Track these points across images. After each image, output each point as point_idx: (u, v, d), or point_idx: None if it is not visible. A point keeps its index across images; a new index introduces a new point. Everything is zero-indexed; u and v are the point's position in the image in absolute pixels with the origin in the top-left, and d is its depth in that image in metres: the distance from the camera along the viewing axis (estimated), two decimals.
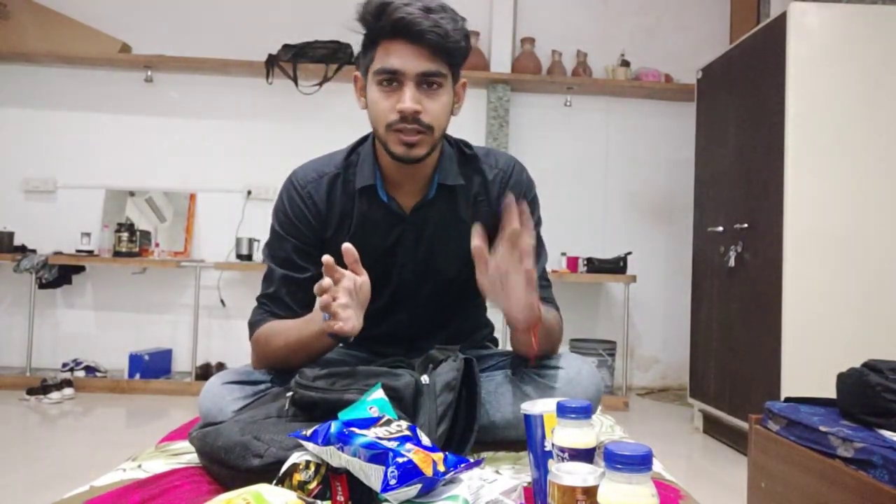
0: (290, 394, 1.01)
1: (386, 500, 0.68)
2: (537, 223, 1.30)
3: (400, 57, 1.11)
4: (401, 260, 1.28)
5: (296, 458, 0.76)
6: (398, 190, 1.26)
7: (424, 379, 1.03)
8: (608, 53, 4.21)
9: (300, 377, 1.03)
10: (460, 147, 1.31)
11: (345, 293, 1.02)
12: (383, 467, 0.67)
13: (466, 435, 1.06)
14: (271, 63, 3.89)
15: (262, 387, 1.18)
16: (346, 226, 1.26)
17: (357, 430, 0.74)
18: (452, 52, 1.14)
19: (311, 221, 1.25)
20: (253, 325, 1.26)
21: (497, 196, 1.27)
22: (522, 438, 0.86)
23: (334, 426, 0.74)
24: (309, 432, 0.76)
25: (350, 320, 1.02)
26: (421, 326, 1.34)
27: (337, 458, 0.72)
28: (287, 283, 1.25)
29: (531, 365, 1.19)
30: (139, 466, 1.06)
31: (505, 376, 1.23)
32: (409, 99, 1.11)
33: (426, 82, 1.13)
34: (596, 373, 1.24)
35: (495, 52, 4.11)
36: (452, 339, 1.35)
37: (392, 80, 1.12)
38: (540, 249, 1.29)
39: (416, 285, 1.30)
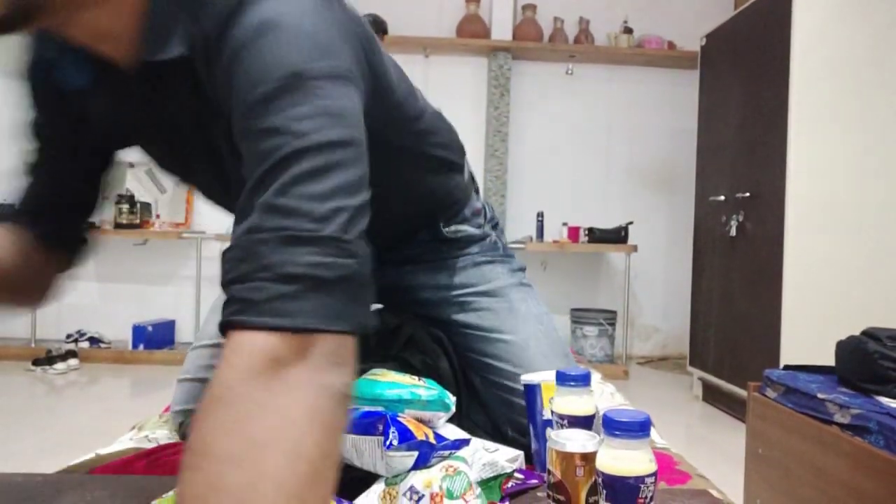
0: None
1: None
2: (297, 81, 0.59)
3: None
4: (159, 153, 0.89)
5: None
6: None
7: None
8: (611, 20, 4.15)
9: None
10: None
11: None
12: (381, 437, 0.67)
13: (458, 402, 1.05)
14: None
15: None
16: (78, 97, 0.81)
17: None
18: None
19: (37, 83, 0.84)
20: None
21: (209, 77, 0.65)
22: None
23: None
24: None
25: None
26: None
27: None
28: (33, 148, 0.88)
29: None
30: (145, 436, 1.07)
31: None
32: None
33: None
34: None
35: (496, 19, 4.05)
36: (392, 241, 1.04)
37: None
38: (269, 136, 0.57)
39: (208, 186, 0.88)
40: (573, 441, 0.65)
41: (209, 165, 0.78)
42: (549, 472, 0.66)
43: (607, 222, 3.97)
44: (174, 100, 0.72)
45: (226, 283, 0.54)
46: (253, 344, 0.50)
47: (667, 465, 0.96)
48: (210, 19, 0.62)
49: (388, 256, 1.04)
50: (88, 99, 0.78)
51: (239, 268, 0.53)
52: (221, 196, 0.86)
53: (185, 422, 1.04)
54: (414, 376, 0.84)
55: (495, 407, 1.01)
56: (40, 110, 0.84)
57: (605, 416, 0.60)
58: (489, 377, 1.02)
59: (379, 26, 3.84)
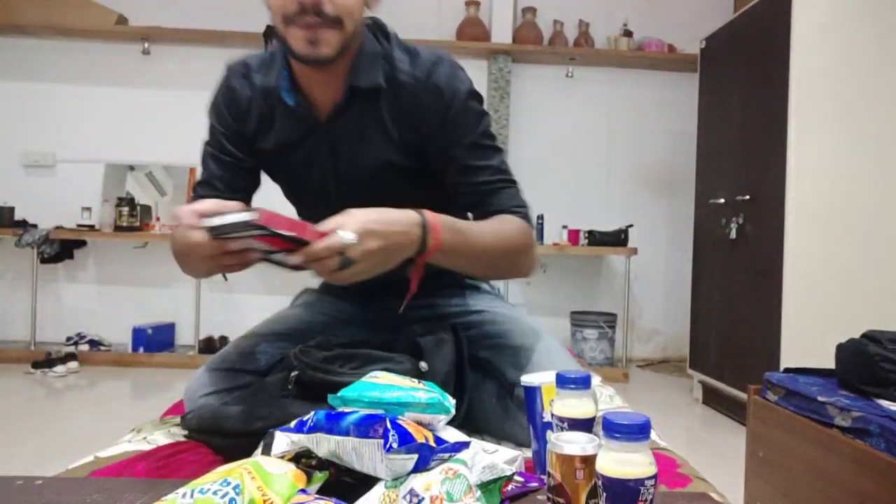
0: (294, 373, 1.01)
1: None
2: (483, 133, 1.13)
3: None
4: (319, 172, 1.16)
5: (287, 444, 0.75)
6: (311, 93, 1.12)
7: (423, 365, 1.03)
8: (610, 23, 4.16)
9: (307, 357, 1.02)
10: (394, 44, 1.14)
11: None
12: (380, 440, 0.67)
13: (459, 396, 1.06)
14: (269, 34, 3.85)
15: (253, 389, 1.10)
16: (266, 127, 1.16)
17: (347, 410, 0.73)
18: None
19: (233, 113, 1.17)
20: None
21: (413, 106, 1.10)
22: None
23: (320, 413, 0.73)
24: (292, 424, 0.75)
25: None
26: None
27: (325, 442, 0.71)
28: (217, 165, 1.19)
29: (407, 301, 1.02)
30: (144, 438, 1.07)
31: (490, 396, 1.11)
32: None
33: None
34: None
35: (496, 22, 4.06)
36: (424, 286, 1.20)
37: None
38: (485, 153, 1.13)
39: (343, 204, 1.02)
40: (573, 444, 0.65)
41: (365, 174, 1.14)
42: (549, 475, 0.66)
43: (607, 225, 3.97)
44: (355, 122, 1.11)
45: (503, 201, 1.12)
46: (520, 222, 1.10)
47: (668, 467, 0.96)
48: (417, 67, 1.10)
49: (419, 299, 1.11)
50: (282, 125, 1.14)
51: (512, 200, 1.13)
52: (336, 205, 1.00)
53: (189, 414, 1.04)
54: (414, 379, 0.84)
55: (506, 365, 1.12)
56: (227, 135, 1.18)
57: (604, 418, 0.60)
58: (503, 345, 1.13)
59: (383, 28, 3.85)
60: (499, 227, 1.08)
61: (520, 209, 1.12)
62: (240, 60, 1.19)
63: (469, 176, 1.11)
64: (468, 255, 1.02)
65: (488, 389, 1.11)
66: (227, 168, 1.18)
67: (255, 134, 1.16)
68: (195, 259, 0.96)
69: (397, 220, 0.91)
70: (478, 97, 1.15)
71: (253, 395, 0.99)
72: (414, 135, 1.11)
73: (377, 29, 1.15)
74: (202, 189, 1.18)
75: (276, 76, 1.12)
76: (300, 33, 1.00)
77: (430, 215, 0.95)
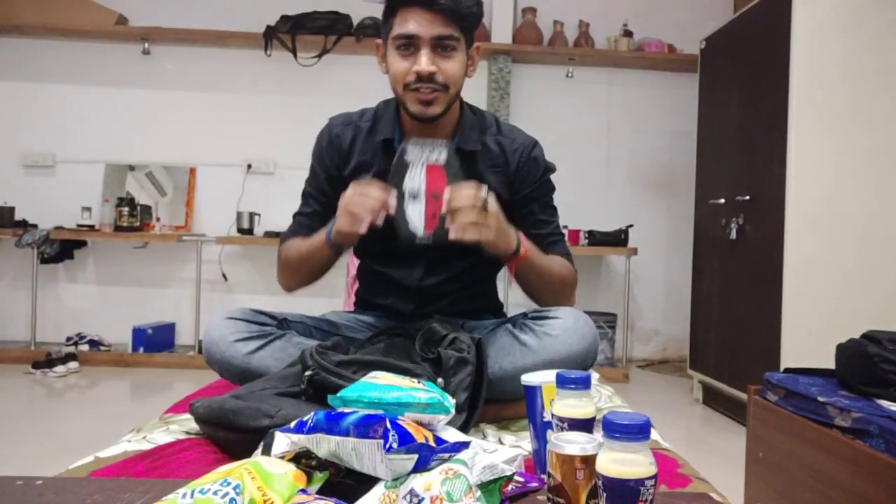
0: (308, 373, 1.01)
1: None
2: (551, 198, 1.49)
3: (416, 23, 1.21)
4: None
5: (287, 445, 0.75)
6: None
7: (440, 382, 1.03)
8: (610, 24, 4.16)
9: (323, 358, 1.02)
10: (484, 117, 1.42)
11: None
12: (380, 440, 0.67)
13: (470, 412, 1.07)
14: (269, 35, 3.85)
15: (268, 329, 1.23)
16: (362, 173, 1.35)
17: (346, 410, 0.73)
18: (465, 17, 1.23)
19: (334, 157, 1.39)
20: (282, 240, 1.43)
21: (515, 169, 1.38)
22: (521, 392, 0.88)
23: (320, 413, 0.73)
24: (293, 425, 0.75)
25: (358, 224, 1.16)
26: (429, 289, 1.39)
27: (325, 443, 0.71)
28: (316, 203, 1.41)
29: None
30: (144, 438, 1.07)
31: (504, 329, 1.25)
32: (424, 61, 1.21)
33: (440, 45, 1.23)
34: (592, 322, 1.24)
35: (496, 22, 4.06)
36: (460, 313, 1.39)
37: (409, 44, 1.23)
38: (552, 212, 1.48)
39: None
40: (573, 444, 0.65)
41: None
42: (550, 475, 0.66)
43: (607, 225, 3.97)
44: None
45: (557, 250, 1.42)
46: (569, 265, 1.42)
47: (668, 468, 0.96)
48: (520, 138, 1.42)
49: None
50: (381, 167, 1.33)
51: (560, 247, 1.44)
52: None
53: (197, 403, 1.04)
54: (413, 379, 0.84)
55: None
56: (326, 177, 1.39)
57: (605, 418, 0.60)
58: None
59: (379, 30, 3.85)
60: (559, 262, 1.38)
61: (569, 257, 1.43)
62: (342, 114, 1.43)
63: (539, 228, 1.40)
64: (539, 270, 1.31)
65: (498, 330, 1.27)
66: (323, 207, 1.39)
67: (353, 173, 1.36)
68: (317, 257, 1.30)
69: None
70: (553, 171, 1.48)
71: (263, 392, 0.99)
72: (505, 188, 1.37)
73: (487, 114, 1.46)
74: (302, 218, 1.42)
75: (388, 129, 1.35)
76: (416, 97, 1.24)
77: (520, 233, 1.26)
